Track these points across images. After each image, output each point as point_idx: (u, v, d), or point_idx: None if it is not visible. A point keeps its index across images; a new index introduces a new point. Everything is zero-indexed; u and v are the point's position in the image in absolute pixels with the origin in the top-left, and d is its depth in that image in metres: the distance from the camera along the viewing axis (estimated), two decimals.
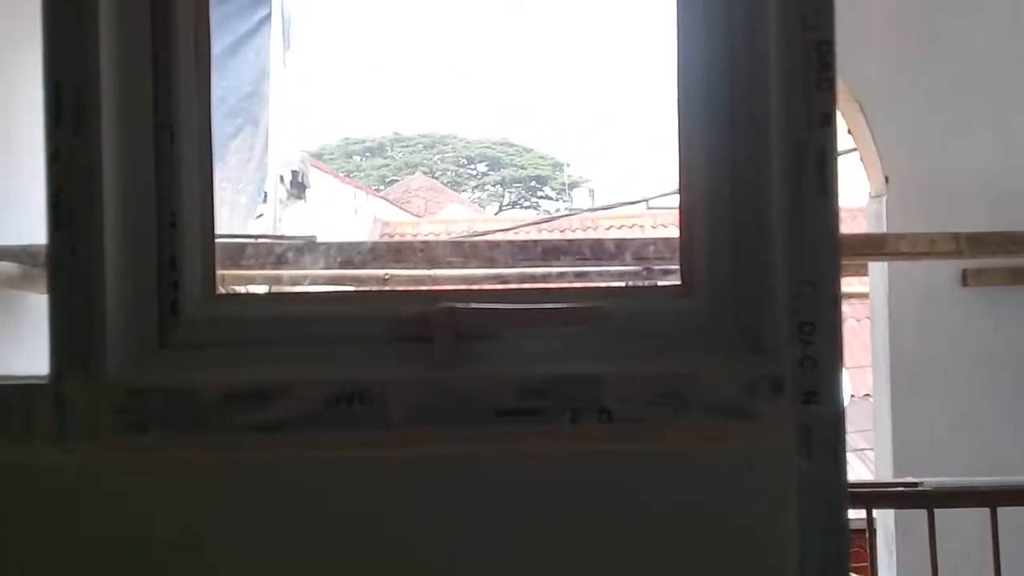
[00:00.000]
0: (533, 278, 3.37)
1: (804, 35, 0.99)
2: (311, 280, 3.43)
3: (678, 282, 1.06)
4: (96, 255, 0.97)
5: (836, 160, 0.99)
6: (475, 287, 0.94)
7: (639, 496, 0.98)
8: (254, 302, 1.07)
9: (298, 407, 0.98)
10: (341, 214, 10.39)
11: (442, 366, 1.00)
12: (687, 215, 1.05)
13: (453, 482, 0.98)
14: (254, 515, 0.97)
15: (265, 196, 5.43)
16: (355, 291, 1.04)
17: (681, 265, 1.06)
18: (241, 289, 3.73)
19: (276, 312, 1.05)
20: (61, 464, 0.97)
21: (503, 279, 3.59)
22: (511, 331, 1.03)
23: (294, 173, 7.81)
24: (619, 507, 0.98)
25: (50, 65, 0.98)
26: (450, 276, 3.47)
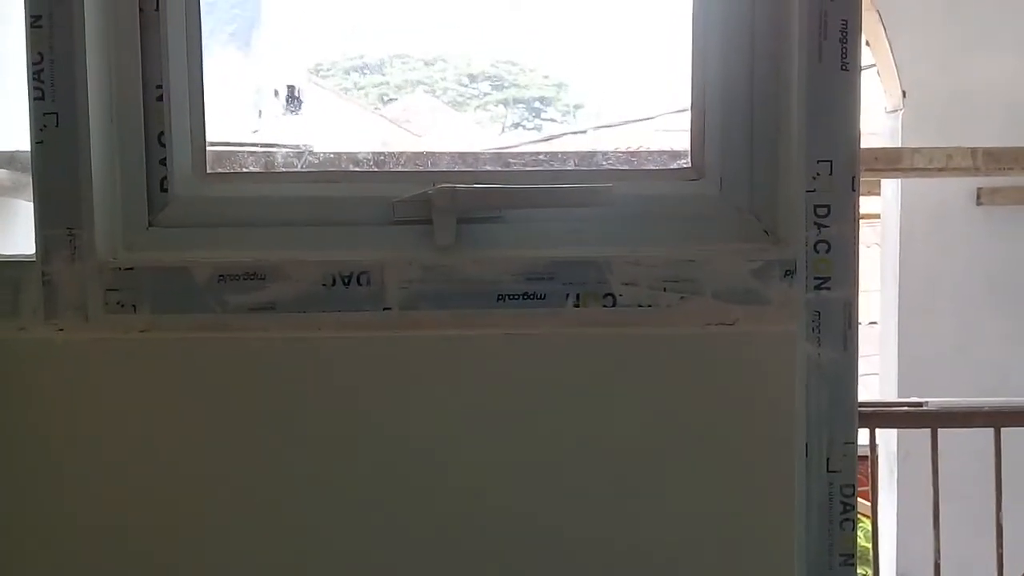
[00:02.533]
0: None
1: None
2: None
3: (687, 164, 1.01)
4: (80, 127, 0.93)
5: (860, 33, 0.94)
6: (478, 170, 0.90)
7: (644, 381, 0.95)
8: (247, 181, 1.03)
9: (293, 287, 0.95)
10: (339, 132, 10.25)
11: (442, 248, 0.97)
12: (698, 91, 1.00)
13: (453, 365, 0.95)
14: (245, 395, 0.94)
15: (260, 112, 5.32)
16: (352, 171, 0.99)
17: (691, 146, 1.01)
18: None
19: (270, 191, 1.01)
20: (50, 342, 0.94)
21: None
22: (514, 212, 0.99)
23: (290, 88, 7.65)
24: (623, 392, 0.95)
25: None
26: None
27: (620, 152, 1.17)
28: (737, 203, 1.00)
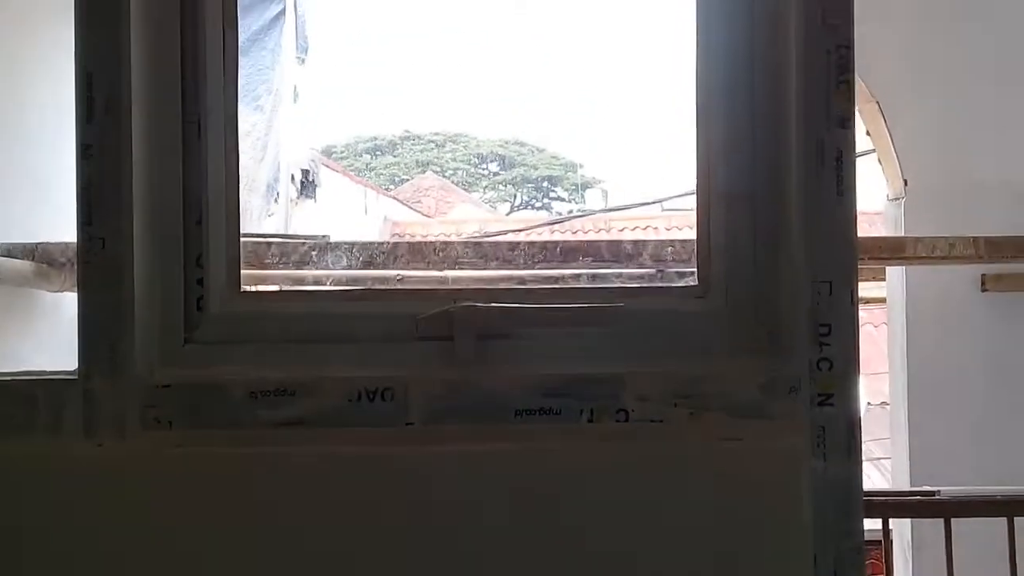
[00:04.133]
0: (548, 279, 3.38)
1: (823, 37, 1.00)
2: (324, 280, 3.44)
3: (695, 283, 1.07)
4: (125, 250, 0.99)
5: (854, 161, 1.00)
6: (495, 287, 0.94)
7: (656, 495, 0.99)
8: (277, 299, 1.09)
9: (321, 403, 1.00)
10: (351, 213, 10.41)
11: (463, 364, 1.02)
12: (704, 216, 1.06)
13: (473, 479, 0.99)
14: (278, 509, 0.98)
15: (277, 196, 5.45)
16: (377, 289, 1.05)
17: (698, 265, 1.07)
18: (255, 288, 3.75)
19: (299, 309, 1.07)
20: (89, 457, 0.98)
21: (517, 280, 3.60)
22: (531, 330, 1.04)
23: (304, 172, 7.83)
24: (636, 505, 0.99)
25: (82, 59, 0.99)
26: (463, 277, 3.49)
27: (629, 271, 1.22)
28: (742, 320, 1.05)
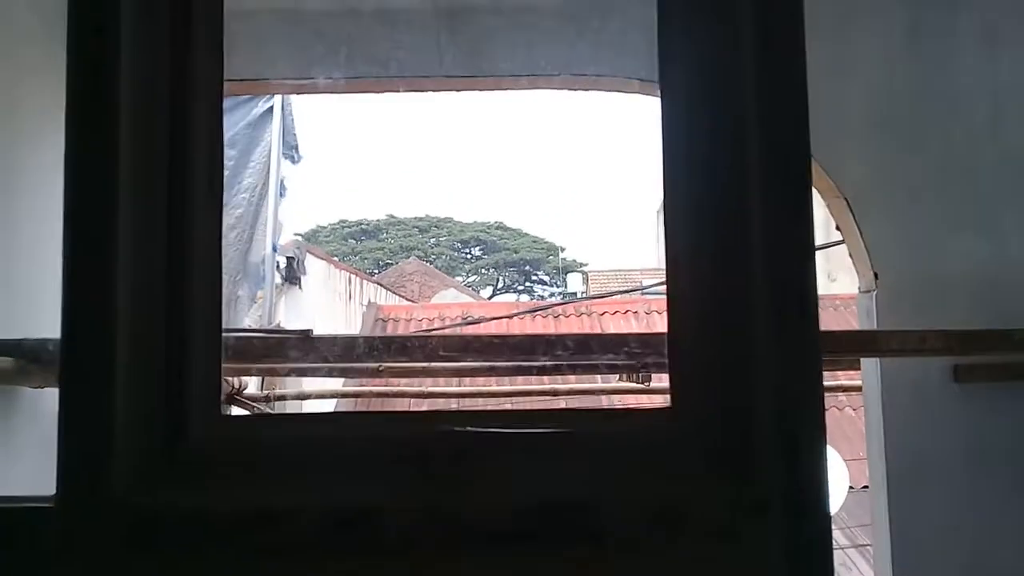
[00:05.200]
0: (530, 370, 3.42)
1: (781, 149, 1.05)
2: (307, 372, 3.45)
3: (667, 405, 1.10)
4: (106, 373, 1.01)
5: (816, 298, 1.04)
6: (471, 409, 0.97)
7: None
8: (258, 424, 1.11)
9: (299, 530, 1.01)
10: (336, 299, 10.45)
11: (438, 489, 1.03)
12: (675, 346, 1.09)
13: None
14: None
15: (263, 283, 5.49)
16: (357, 413, 1.08)
17: (671, 385, 1.10)
18: (236, 382, 3.75)
19: (278, 434, 1.09)
20: None
21: (497, 370, 3.62)
22: (507, 454, 1.06)
23: (289, 260, 7.90)
24: None
25: (70, 194, 1.03)
26: (444, 368, 3.52)
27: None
28: (715, 441, 1.07)
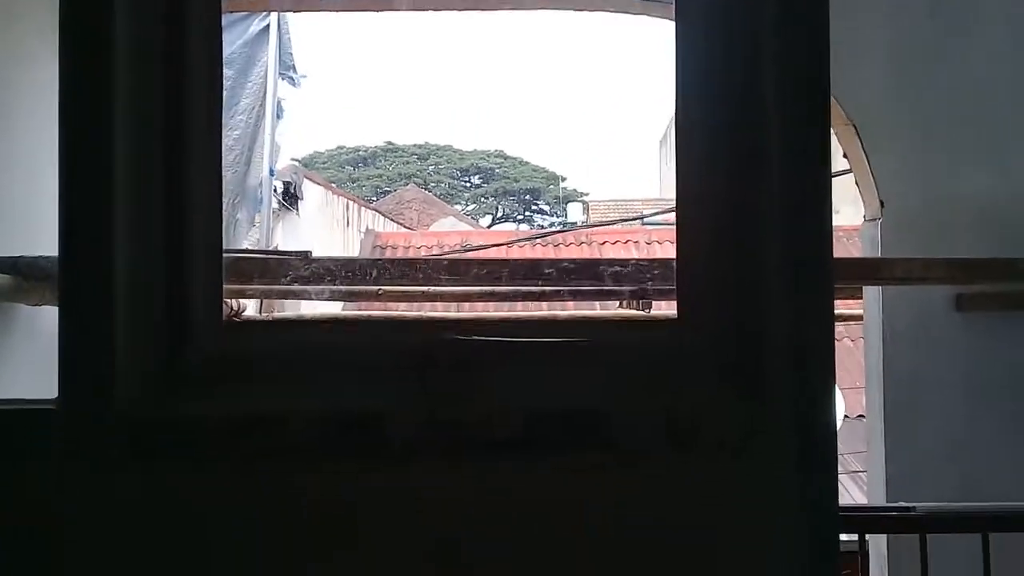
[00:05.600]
0: (531, 295, 3.40)
1: (800, 75, 1.01)
2: (307, 295, 3.43)
3: (674, 314, 1.08)
4: (106, 281, 0.99)
5: (830, 203, 1.01)
6: (477, 315, 0.95)
7: (638, 524, 0.99)
8: (259, 332, 1.09)
9: (300, 435, 1.00)
10: (333, 226, 10.39)
11: (443, 397, 1.02)
12: (685, 249, 1.07)
13: (452, 511, 1.00)
14: (257, 538, 0.98)
15: (260, 207, 5.44)
16: (359, 319, 1.06)
17: (678, 297, 1.08)
18: (235, 304, 3.73)
19: (281, 342, 1.07)
20: (71, 487, 0.98)
21: (498, 295, 3.61)
22: (511, 363, 1.05)
23: (286, 184, 7.81)
24: (619, 535, 0.99)
25: (65, 110, 0.99)
26: (443, 292, 3.49)
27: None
28: (723, 350, 1.06)
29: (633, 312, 4.49)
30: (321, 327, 1.09)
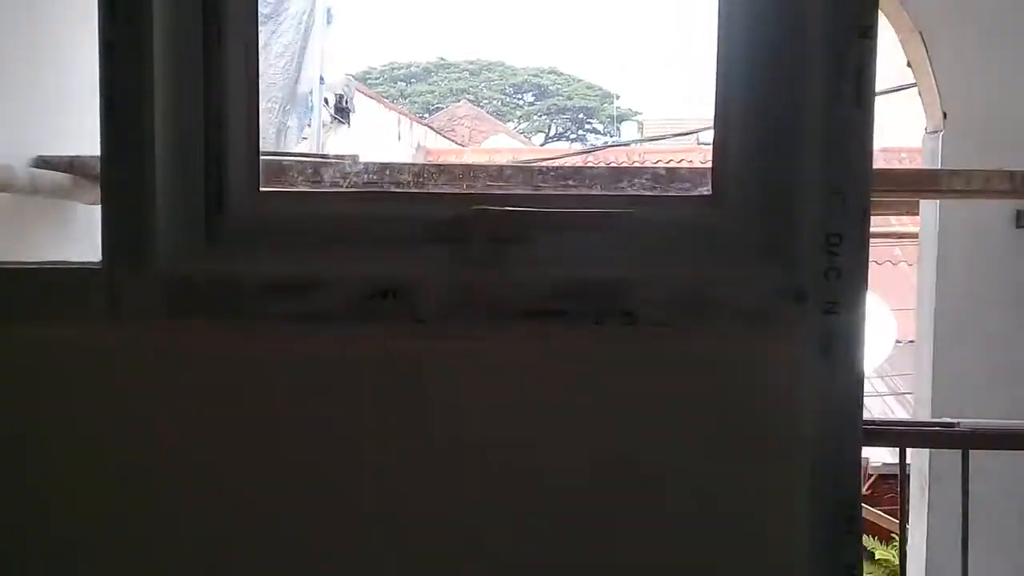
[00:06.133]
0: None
1: None
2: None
3: (709, 192, 1.07)
4: (145, 148, 1.01)
5: (874, 72, 0.99)
6: (511, 192, 0.96)
7: (659, 396, 1.01)
8: (296, 199, 1.11)
9: (334, 300, 1.03)
10: (385, 140, 10.39)
11: (474, 267, 1.03)
12: (721, 124, 1.06)
13: (480, 376, 1.02)
14: (287, 398, 1.02)
15: (311, 119, 5.46)
16: (394, 192, 1.08)
17: (712, 174, 1.07)
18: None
19: (316, 209, 1.09)
20: (112, 344, 1.02)
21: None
22: (544, 235, 1.05)
23: (339, 97, 7.80)
24: (639, 406, 1.01)
25: None
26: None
27: (648, 171, 1.22)
28: (755, 229, 1.05)
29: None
30: (354, 197, 1.11)
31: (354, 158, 3.41)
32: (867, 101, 0.99)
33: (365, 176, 3.12)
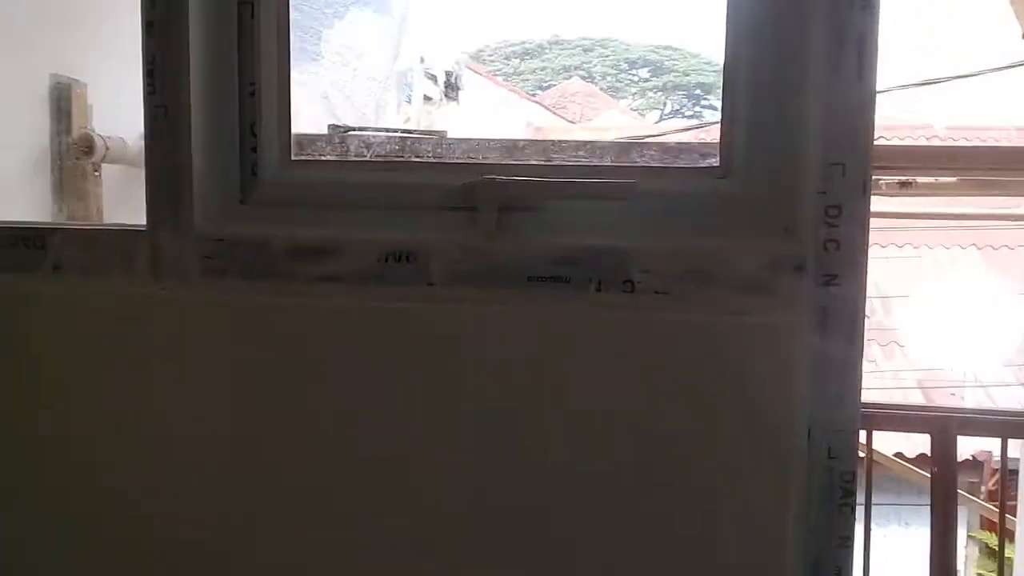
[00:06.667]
0: None
1: None
2: None
3: (717, 164, 1.09)
4: (183, 119, 1.10)
5: (876, 45, 0.98)
6: (523, 163, 0.98)
7: (656, 361, 1.04)
8: (323, 168, 1.18)
9: (353, 262, 1.10)
10: (494, 117, 10.47)
11: (483, 234, 1.08)
12: (729, 99, 1.07)
13: (486, 336, 1.07)
14: (309, 351, 1.10)
15: (410, 96, 5.58)
16: (412, 161, 1.14)
17: (720, 147, 1.08)
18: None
19: (342, 178, 1.16)
20: (155, 298, 1.13)
21: None
22: (550, 203, 1.09)
23: (447, 74, 7.91)
24: (637, 370, 1.04)
25: None
26: None
27: (657, 144, 1.24)
28: (759, 201, 1.06)
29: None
30: (375, 167, 1.17)
31: (441, 135, 3.49)
32: (868, 73, 0.98)
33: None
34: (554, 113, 14.56)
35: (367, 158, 1.24)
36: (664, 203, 1.08)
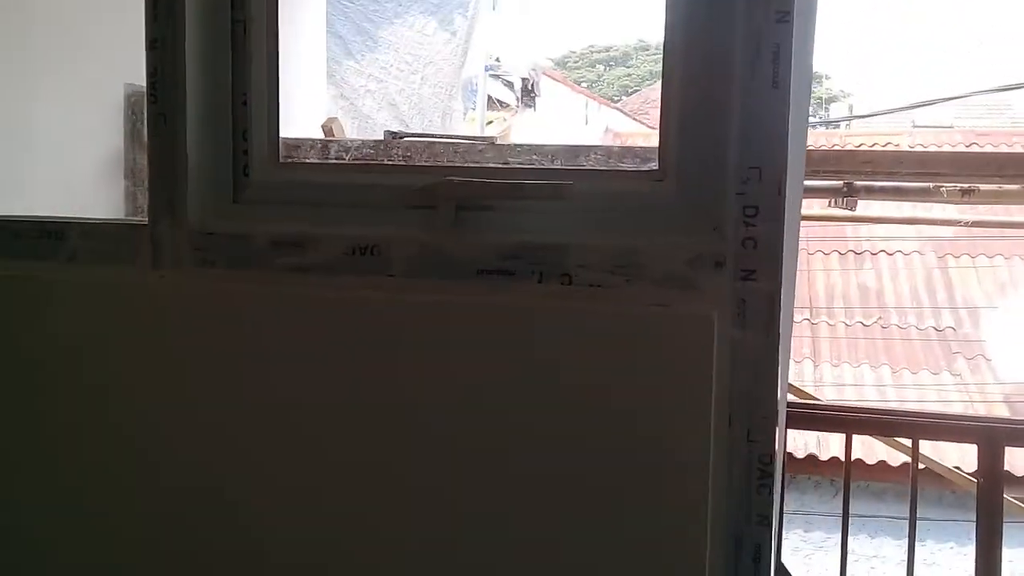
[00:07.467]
0: None
1: None
2: None
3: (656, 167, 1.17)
4: (180, 125, 1.25)
5: (790, 55, 1.05)
6: (485, 165, 1.05)
7: (589, 347, 1.13)
8: (307, 170, 1.31)
9: (324, 255, 1.22)
10: (572, 123, 10.57)
11: (440, 230, 1.19)
12: (666, 106, 1.15)
13: (440, 323, 1.18)
14: (285, 333, 1.23)
15: (475, 103, 5.73)
16: (383, 164, 1.25)
17: (659, 151, 1.16)
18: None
19: (319, 178, 1.28)
20: (155, 285, 1.27)
21: None
22: (501, 202, 1.19)
23: (524, 81, 8.05)
24: (571, 355, 1.13)
25: None
26: None
27: (603, 148, 1.33)
28: (692, 202, 1.14)
29: (837, 210, 4.33)
30: (352, 168, 1.29)
31: (491, 139, 3.62)
32: (783, 82, 1.05)
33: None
34: (634, 119, 14.54)
35: (345, 161, 1.37)
36: (603, 203, 1.17)
